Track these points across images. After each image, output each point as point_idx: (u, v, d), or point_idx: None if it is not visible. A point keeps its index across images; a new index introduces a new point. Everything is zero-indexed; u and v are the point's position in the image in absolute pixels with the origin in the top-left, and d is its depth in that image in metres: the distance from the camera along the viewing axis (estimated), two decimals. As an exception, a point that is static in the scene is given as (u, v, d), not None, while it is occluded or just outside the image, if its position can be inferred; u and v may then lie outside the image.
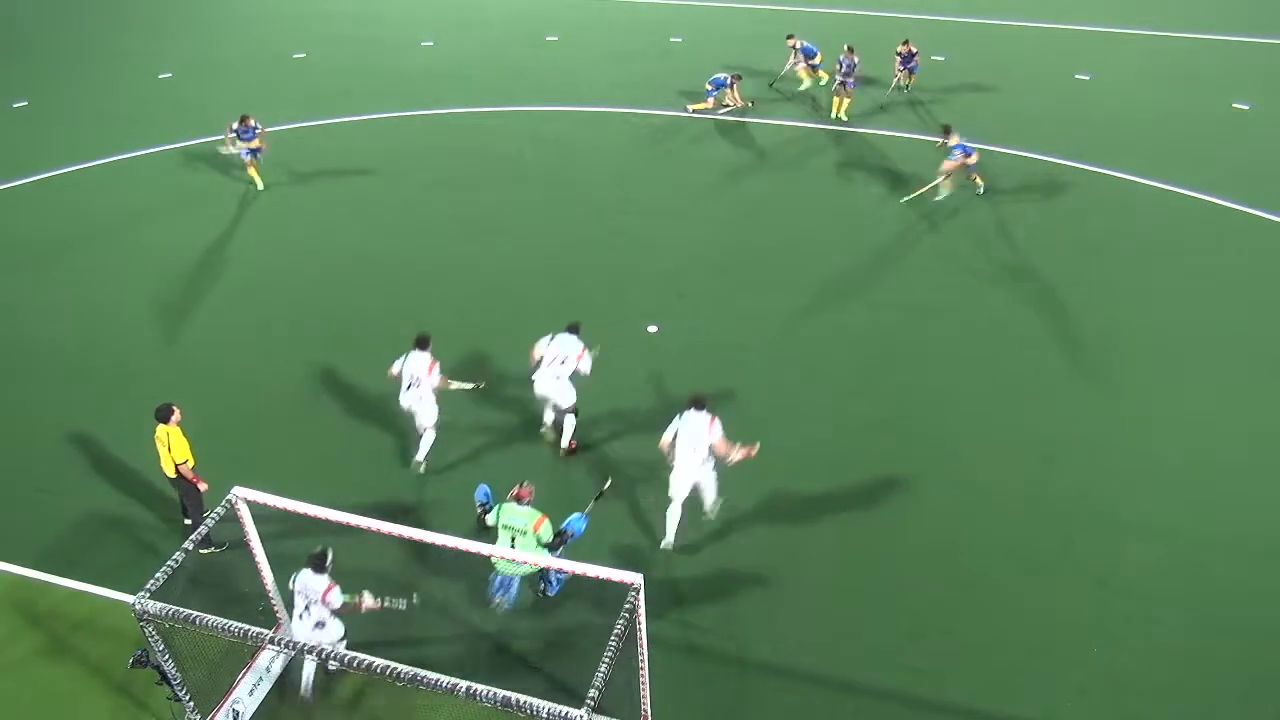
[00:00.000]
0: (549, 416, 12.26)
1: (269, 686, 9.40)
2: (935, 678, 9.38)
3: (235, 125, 18.50)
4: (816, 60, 22.23)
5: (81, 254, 16.93)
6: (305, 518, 8.21)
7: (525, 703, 6.84)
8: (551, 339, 11.84)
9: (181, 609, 7.76)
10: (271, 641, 7.80)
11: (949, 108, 21.22)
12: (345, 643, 9.17)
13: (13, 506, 11.74)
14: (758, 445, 10.49)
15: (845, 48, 21.09)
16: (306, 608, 8.97)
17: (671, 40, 25.58)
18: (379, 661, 7.26)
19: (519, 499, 9.57)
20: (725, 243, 16.68)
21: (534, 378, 11.80)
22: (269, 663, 9.41)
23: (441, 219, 17.70)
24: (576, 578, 7.62)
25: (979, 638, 9.78)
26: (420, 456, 11.81)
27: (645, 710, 8.40)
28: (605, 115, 21.55)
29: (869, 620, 9.99)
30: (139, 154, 20.29)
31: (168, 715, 8.96)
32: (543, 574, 9.67)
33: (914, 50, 21.92)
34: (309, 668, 9.30)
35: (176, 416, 10.59)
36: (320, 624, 8.97)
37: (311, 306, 15.24)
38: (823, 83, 22.05)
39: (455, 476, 11.75)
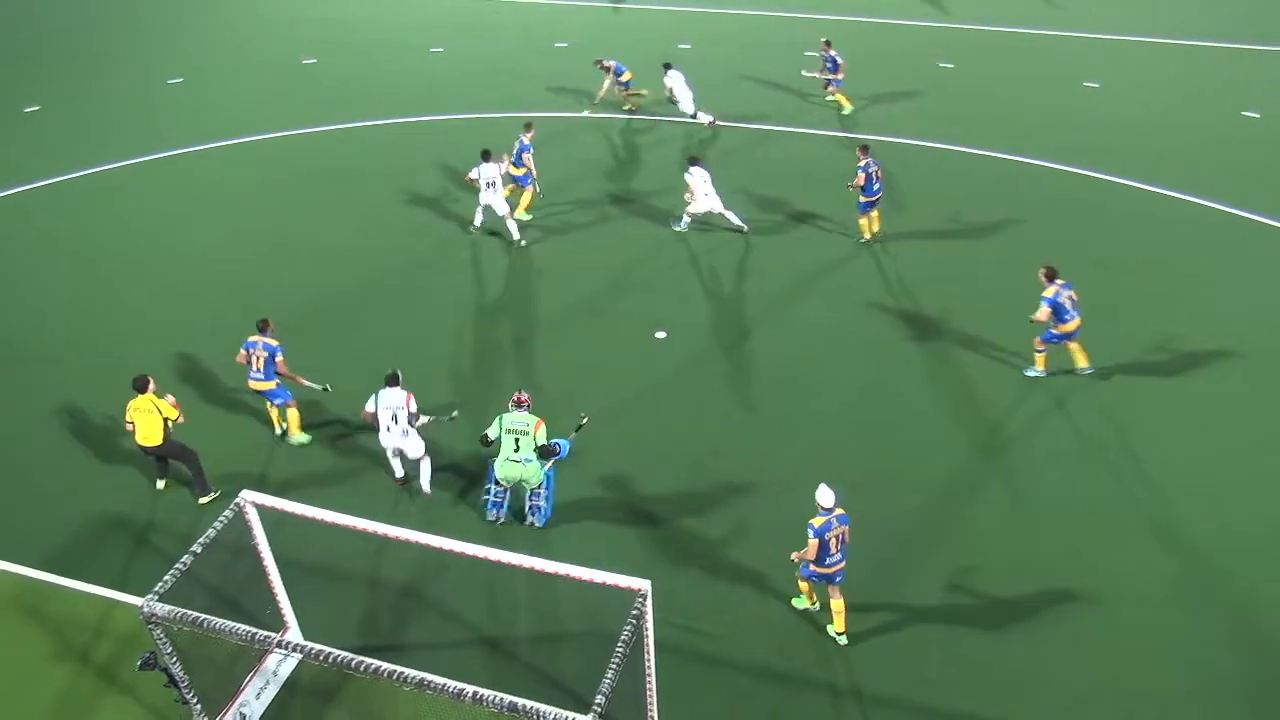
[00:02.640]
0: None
1: (276, 689, 9.43)
2: (941, 687, 9.35)
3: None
4: (626, 78, 21.39)
5: (92, 257, 17.04)
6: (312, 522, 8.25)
7: (531, 708, 6.85)
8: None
9: (189, 611, 7.79)
10: (279, 645, 7.83)
11: (956, 114, 21.22)
12: (428, 461, 11.36)
13: (22, 508, 11.81)
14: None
15: (823, 41, 21.17)
16: (394, 418, 11.15)
17: (680, 47, 25.62)
18: (386, 666, 7.26)
19: (520, 403, 10.90)
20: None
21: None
22: (276, 665, 9.44)
23: (440, 221, 17.78)
24: (580, 584, 7.58)
25: (984, 646, 9.75)
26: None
27: (652, 717, 8.39)
28: (610, 121, 21.64)
29: (875, 628, 9.97)
30: (150, 158, 20.39)
31: (175, 718, 8.98)
32: (533, 495, 11.00)
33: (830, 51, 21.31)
34: (425, 466, 11.45)
35: (153, 385, 11.21)
36: (405, 432, 11.20)
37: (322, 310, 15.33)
38: (846, 111, 21.49)
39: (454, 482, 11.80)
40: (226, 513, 8.56)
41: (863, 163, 16.01)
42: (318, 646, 7.69)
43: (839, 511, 9.47)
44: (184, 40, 27.64)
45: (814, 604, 10.07)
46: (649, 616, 7.58)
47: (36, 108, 23.03)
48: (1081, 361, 13.25)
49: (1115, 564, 10.57)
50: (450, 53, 25.80)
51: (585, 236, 17.37)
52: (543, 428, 10.81)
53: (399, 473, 11.82)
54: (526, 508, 11.12)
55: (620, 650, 7.20)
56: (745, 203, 17.71)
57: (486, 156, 16.46)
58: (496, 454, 10.90)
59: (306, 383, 12.30)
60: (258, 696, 9.24)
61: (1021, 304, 13.38)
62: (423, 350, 14.17)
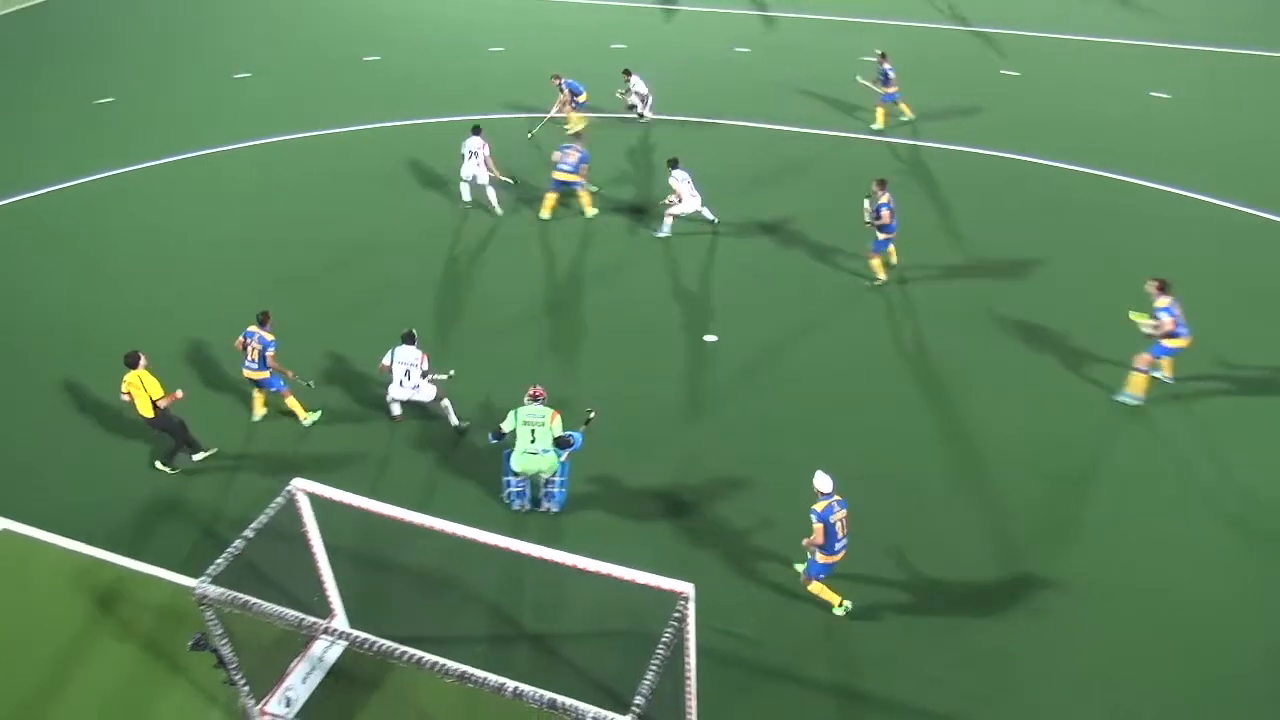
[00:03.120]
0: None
1: (321, 675, 9.59)
2: (988, 704, 9.21)
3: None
4: (582, 99, 20.67)
5: (162, 248, 17.47)
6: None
7: (571, 705, 6.88)
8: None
9: (240, 595, 7.96)
10: (325, 631, 7.97)
11: (1021, 122, 20.89)
12: (445, 399, 12.45)
13: (86, 488, 12.17)
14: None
15: (878, 54, 20.67)
16: (406, 373, 12.30)
17: (736, 50, 25.56)
18: (429, 657, 7.35)
19: (535, 397, 11.28)
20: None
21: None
22: (322, 651, 9.60)
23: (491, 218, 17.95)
24: (616, 582, 7.61)
25: (1034, 664, 9.58)
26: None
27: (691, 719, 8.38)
28: (662, 123, 21.62)
29: (924, 642, 9.86)
30: (210, 151, 20.88)
31: (223, 698, 9.18)
32: (547, 484, 11.32)
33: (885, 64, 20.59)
34: (447, 404, 12.55)
35: (144, 361, 11.80)
36: (416, 387, 12.35)
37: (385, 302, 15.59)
38: (905, 118, 20.98)
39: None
40: (279, 499, 8.73)
41: (884, 199, 14.91)
42: (363, 635, 7.80)
43: (837, 496, 9.69)
44: (251, 36, 28.27)
45: (842, 603, 10.07)
46: (690, 619, 7.57)
47: (110, 99, 23.72)
48: (1167, 371, 13.01)
49: (1169, 584, 10.35)
50: (510, 52, 26.03)
51: (636, 241, 17.44)
52: (558, 419, 11.21)
53: (395, 412, 12.89)
54: (542, 494, 11.46)
55: (661, 652, 7.21)
56: (788, 206, 17.67)
57: (477, 130, 17.63)
58: (512, 446, 11.16)
59: (292, 376, 12.94)
60: (303, 681, 9.41)
61: (1105, 318, 13.23)
62: (458, 341, 14.64)
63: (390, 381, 12.57)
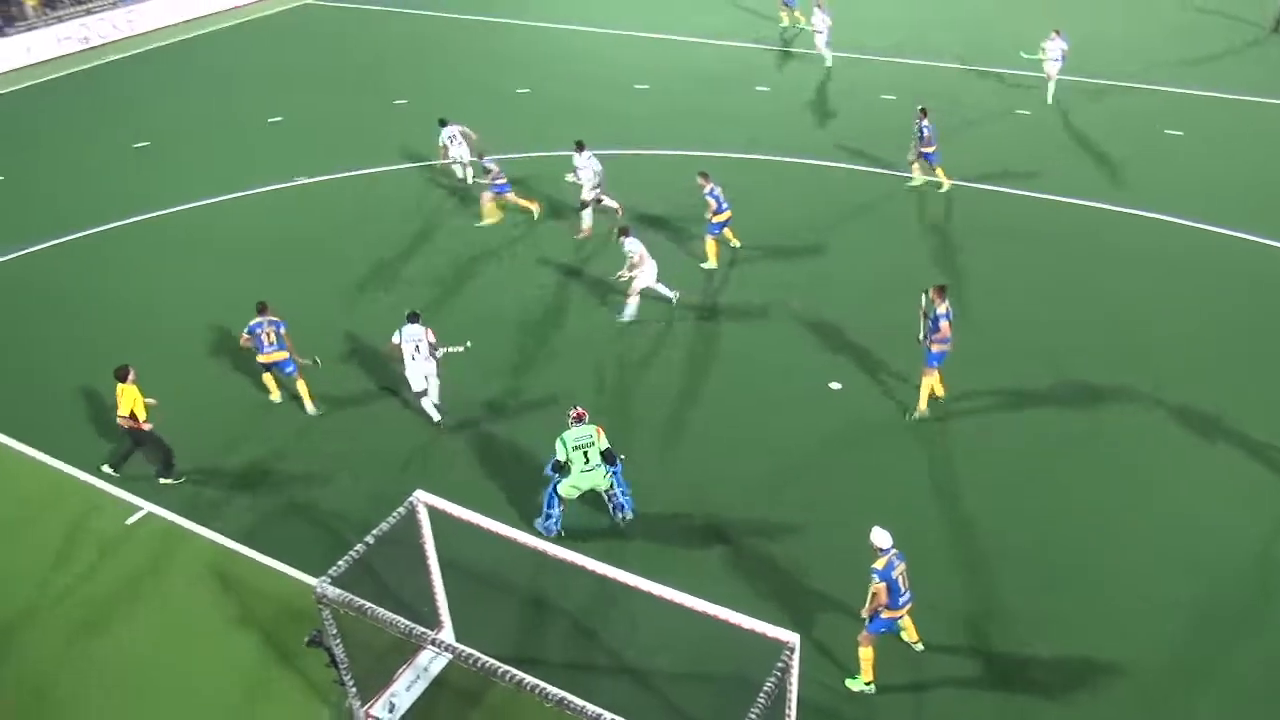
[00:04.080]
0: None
1: (425, 685, 9.79)
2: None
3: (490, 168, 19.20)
4: (501, 180, 19.11)
5: (306, 260, 18.46)
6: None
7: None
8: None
9: (356, 598, 8.24)
10: (432, 642, 8.14)
11: (1034, 161, 20.20)
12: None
13: (223, 481, 12.91)
14: None
15: (919, 110, 19.53)
16: (416, 348, 13.24)
17: (884, 97, 25.27)
18: (530, 679, 7.42)
19: (579, 419, 11.45)
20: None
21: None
22: (428, 662, 9.80)
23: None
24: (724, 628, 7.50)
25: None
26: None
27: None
28: (817, 168, 21.47)
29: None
30: (372, 170, 22.04)
31: (333, 696, 9.48)
32: (610, 496, 11.55)
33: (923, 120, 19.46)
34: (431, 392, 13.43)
35: (132, 376, 12.31)
36: (428, 358, 13.27)
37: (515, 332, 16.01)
38: (943, 189, 19.85)
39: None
40: (400, 509, 9.01)
41: (942, 309, 12.83)
42: (469, 650, 7.95)
43: (895, 550, 9.31)
44: (409, 66, 29.76)
45: (871, 683, 9.60)
46: (794, 670, 7.40)
47: (279, 119, 25.34)
48: None
49: (1189, 589, 9.52)
50: (653, 90, 26.49)
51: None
52: (603, 434, 11.45)
53: (436, 418, 13.59)
54: (610, 509, 11.71)
55: (762, 700, 7.07)
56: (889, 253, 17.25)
57: (443, 122, 20.75)
58: (566, 473, 11.33)
59: (300, 359, 13.98)
60: (408, 689, 9.63)
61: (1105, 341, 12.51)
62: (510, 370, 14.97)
63: (403, 361, 13.30)
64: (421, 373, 13.39)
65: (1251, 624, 10.24)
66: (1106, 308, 15.79)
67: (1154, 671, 9.75)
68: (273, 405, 14.24)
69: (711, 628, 7.60)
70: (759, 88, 26.33)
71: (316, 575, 8.62)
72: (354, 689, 9.08)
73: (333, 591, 8.33)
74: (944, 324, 12.80)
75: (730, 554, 11.41)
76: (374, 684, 9.36)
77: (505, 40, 31.83)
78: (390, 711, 9.44)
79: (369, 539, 8.79)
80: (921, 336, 13.05)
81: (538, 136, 23.30)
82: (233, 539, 11.91)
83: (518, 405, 14.13)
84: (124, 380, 12.32)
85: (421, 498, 9.05)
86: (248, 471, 13.08)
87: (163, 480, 12.82)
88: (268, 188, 21.40)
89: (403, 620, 8.13)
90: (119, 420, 12.42)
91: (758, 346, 15.37)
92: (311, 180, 21.62)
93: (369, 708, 9.26)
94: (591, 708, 7.22)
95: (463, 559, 10.17)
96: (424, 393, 13.50)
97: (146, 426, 12.46)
